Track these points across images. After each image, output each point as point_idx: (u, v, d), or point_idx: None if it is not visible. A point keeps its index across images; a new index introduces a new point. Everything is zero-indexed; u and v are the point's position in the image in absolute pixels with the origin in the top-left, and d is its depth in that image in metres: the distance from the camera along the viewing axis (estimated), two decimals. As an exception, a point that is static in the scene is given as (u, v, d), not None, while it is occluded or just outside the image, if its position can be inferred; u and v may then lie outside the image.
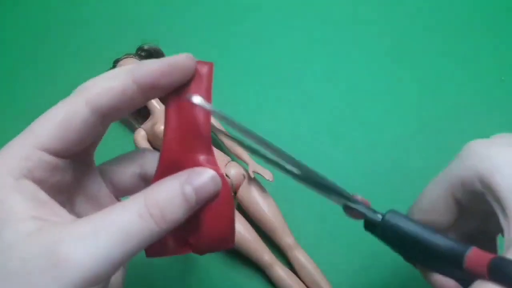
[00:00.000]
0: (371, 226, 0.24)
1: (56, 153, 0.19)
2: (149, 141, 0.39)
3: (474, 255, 0.20)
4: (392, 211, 0.23)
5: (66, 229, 0.17)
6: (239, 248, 0.35)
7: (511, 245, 0.19)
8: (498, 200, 0.19)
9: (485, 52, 0.47)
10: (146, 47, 0.42)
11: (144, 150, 0.24)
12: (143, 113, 0.40)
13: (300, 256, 0.35)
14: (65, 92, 0.49)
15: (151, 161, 0.23)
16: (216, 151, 0.39)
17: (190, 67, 0.20)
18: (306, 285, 0.35)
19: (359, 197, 0.24)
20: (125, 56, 0.42)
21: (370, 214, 0.24)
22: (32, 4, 0.50)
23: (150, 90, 0.19)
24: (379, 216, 0.23)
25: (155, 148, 0.39)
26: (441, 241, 0.22)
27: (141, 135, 0.39)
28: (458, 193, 0.22)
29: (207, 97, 0.22)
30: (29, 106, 0.45)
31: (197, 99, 0.20)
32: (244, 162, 0.37)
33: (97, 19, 0.49)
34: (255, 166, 0.37)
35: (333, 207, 0.40)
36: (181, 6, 0.50)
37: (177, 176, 0.19)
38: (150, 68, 0.19)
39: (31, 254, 0.16)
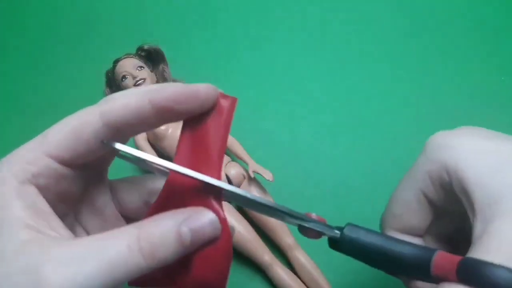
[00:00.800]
0: (334, 243, 0.23)
1: (64, 162, 0.19)
2: (149, 142, 0.40)
3: (441, 260, 0.19)
4: (350, 225, 0.22)
5: (53, 249, 0.16)
6: (239, 248, 0.35)
7: (476, 243, 0.18)
8: (466, 193, 0.19)
9: (486, 52, 0.47)
10: (146, 47, 0.42)
11: (155, 177, 0.23)
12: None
13: (300, 256, 0.35)
14: (65, 91, 0.49)
15: (159, 190, 0.21)
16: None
17: (210, 98, 0.20)
18: (306, 285, 0.35)
19: (313, 215, 0.22)
20: (125, 56, 0.42)
21: (327, 231, 0.22)
22: (32, 4, 0.50)
23: (165, 113, 0.19)
24: (337, 232, 0.22)
25: (154, 147, 0.39)
26: (405, 249, 0.20)
27: (141, 135, 0.40)
28: (429, 191, 0.21)
29: (225, 132, 0.20)
30: (29, 106, 0.45)
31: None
32: (244, 162, 0.37)
33: (97, 19, 0.49)
34: (255, 166, 0.37)
35: (333, 207, 0.40)
36: (181, 6, 0.50)
37: (176, 213, 0.18)
38: (169, 92, 0.19)
39: (16, 268, 0.16)
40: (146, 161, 0.19)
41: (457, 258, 0.19)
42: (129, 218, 0.23)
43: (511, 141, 0.19)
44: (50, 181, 0.18)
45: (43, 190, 0.18)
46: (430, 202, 0.22)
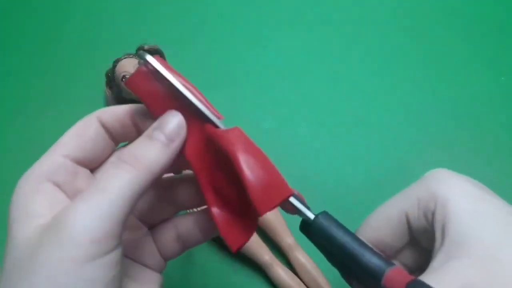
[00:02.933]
0: (305, 227, 0.23)
1: (77, 160, 0.21)
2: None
3: (394, 275, 0.20)
4: (325, 213, 0.22)
5: (70, 204, 0.18)
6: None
7: (432, 272, 0.19)
8: (443, 225, 0.20)
9: (486, 52, 0.47)
10: (146, 47, 0.42)
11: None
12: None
13: (300, 256, 0.35)
14: (65, 91, 0.49)
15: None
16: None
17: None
18: (306, 285, 0.35)
19: (295, 191, 0.22)
20: (125, 56, 0.42)
21: (303, 210, 0.22)
22: (32, 5, 0.50)
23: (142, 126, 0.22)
24: (312, 216, 0.22)
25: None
26: (366, 254, 0.21)
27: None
28: (412, 215, 0.22)
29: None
30: (29, 106, 0.45)
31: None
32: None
33: (97, 19, 0.49)
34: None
35: (333, 208, 0.40)
36: (181, 6, 0.50)
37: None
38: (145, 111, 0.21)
39: (43, 228, 0.18)
40: (170, 83, 0.20)
41: (410, 277, 0.20)
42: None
43: (499, 202, 0.21)
44: (68, 178, 0.20)
45: (62, 186, 0.20)
46: (408, 225, 0.23)
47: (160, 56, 0.43)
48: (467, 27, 0.48)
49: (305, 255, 0.36)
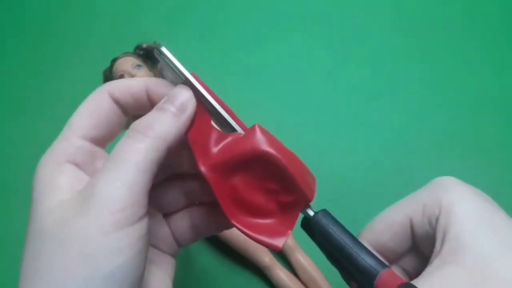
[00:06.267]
0: (305, 223, 0.24)
1: (94, 140, 0.21)
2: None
3: (387, 277, 0.20)
4: (325, 212, 0.23)
5: (92, 179, 0.19)
6: (239, 250, 0.35)
7: (425, 275, 0.20)
8: (444, 232, 0.21)
9: (487, 52, 0.47)
10: (144, 45, 0.42)
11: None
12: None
13: (300, 258, 0.35)
14: (64, 91, 0.48)
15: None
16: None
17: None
18: (306, 287, 0.34)
19: None
20: (123, 55, 0.41)
21: (304, 207, 0.23)
22: (30, 4, 0.50)
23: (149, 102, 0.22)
24: (312, 213, 0.23)
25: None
26: (361, 254, 0.21)
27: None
28: (416, 220, 0.22)
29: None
30: (27, 106, 0.44)
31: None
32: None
33: (95, 18, 0.49)
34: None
35: (333, 208, 0.40)
36: (181, 5, 0.49)
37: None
38: (160, 84, 0.22)
39: (68, 202, 0.18)
40: (180, 74, 0.22)
41: (401, 281, 0.20)
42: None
43: (502, 215, 0.21)
44: (87, 158, 0.21)
45: (82, 167, 0.20)
46: (412, 231, 0.23)
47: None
48: (470, 28, 0.48)
49: (305, 257, 0.35)
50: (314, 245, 0.36)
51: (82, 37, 0.47)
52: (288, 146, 0.40)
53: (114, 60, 0.41)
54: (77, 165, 0.20)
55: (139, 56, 0.42)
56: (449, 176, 0.23)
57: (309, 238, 0.38)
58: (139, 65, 0.40)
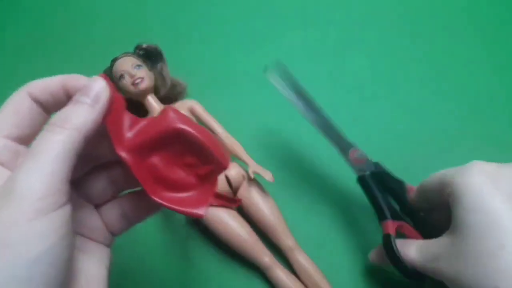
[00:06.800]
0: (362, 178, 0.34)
1: (17, 139, 0.22)
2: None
3: (391, 224, 0.32)
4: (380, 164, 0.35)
5: (12, 173, 0.20)
6: (239, 250, 0.35)
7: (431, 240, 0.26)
8: (455, 208, 0.26)
9: (486, 52, 0.47)
10: (144, 45, 0.42)
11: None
12: (143, 113, 0.40)
13: (300, 258, 0.35)
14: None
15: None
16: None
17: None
18: (306, 287, 0.34)
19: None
20: (123, 55, 0.41)
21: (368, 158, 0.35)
22: (29, 3, 0.50)
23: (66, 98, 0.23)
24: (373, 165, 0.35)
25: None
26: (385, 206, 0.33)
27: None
28: (446, 188, 0.28)
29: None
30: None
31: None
32: (244, 162, 0.37)
33: (95, 18, 0.49)
34: (255, 166, 0.36)
35: (334, 208, 0.40)
36: (180, 5, 0.49)
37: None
38: (75, 78, 0.23)
39: None
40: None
41: (397, 224, 0.32)
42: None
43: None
44: (10, 156, 0.22)
45: (7, 165, 0.22)
46: (442, 193, 0.28)
47: (159, 55, 0.43)
48: (474, 28, 0.48)
49: (305, 257, 0.35)
50: (314, 245, 0.36)
51: (82, 37, 0.47)
52: (288, 145, 0.40)
53: (114, 60, 0.41)
54: (1, 164, 0.21)
55: (139, 56, 0.42)
56: (480, 162, 0.27)
57: (309, 238, 0.38)
58: (139, 65, 0.40)
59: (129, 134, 0.23)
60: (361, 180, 0.34)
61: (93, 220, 0.25)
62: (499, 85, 0.45)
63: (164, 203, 0.23)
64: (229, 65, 0.46)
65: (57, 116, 0.21)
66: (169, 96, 0.42)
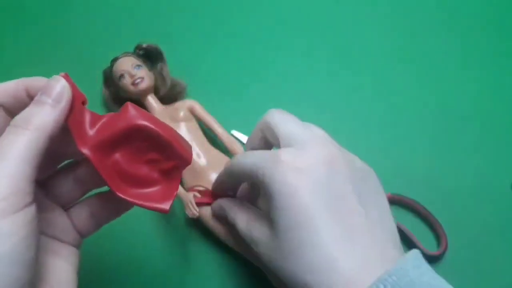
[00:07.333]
0: None
1: None
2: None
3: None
4: None
5: None
6: (239, 250, 0.35)
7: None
8: (275, 135, 0.29)
9: (489, 52, 0.47)
10: (144, 45, 0.42)
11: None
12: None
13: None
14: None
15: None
16: (215, 152, 0.38)
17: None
18: None
19: None
20: (123, 55, 0.41)
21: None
22: (29, 4, 0.50)
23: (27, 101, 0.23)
24: None
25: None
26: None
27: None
28: (264, 132, 0.30)
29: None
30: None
31: None
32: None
33: (95, 18, 0.49)
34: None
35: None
36: (180, 5, 0.49)
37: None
38: (36, 80, 0.23)
39: None
40: None
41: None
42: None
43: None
44: None
45: None
46: (263, 137, 0.31)
47: (159, 55, 0.43)
48: (475, 27, 0.48)
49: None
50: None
51: (82, 37, 0.47)
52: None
53: (114, 60, 0.41)
54: None
55: (139, 56, 0.42)
56: (272, 110, 0.31)
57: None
58: (139, 65, 0.40)
59: (91, 132, 0.23)
60: None
61: (61, 221, 0.25)
62: (496, 87, 0.45)
63: (129, 199, 0.23)
64: (229, 65, 0.46)
65: (19, 117, 0.21)
66: (169, 96, 0.42)
